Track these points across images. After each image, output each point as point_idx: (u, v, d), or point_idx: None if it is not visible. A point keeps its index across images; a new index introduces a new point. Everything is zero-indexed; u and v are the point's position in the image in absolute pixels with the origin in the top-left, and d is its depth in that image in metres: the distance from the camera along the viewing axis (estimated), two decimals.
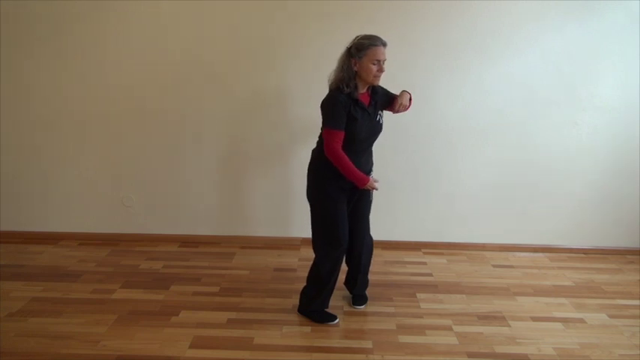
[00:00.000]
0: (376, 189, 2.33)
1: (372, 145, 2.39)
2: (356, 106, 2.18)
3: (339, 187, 2.29)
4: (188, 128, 3.21)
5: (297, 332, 2.33)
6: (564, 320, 2.49)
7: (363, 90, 2.24)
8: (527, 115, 3.14)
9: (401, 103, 2.31)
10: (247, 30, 3.03)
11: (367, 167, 2.36)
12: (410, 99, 2.37)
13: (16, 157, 3.29)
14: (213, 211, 3.38)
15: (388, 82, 3.09)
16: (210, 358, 2.12)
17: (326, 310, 2.48)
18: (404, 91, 2.37)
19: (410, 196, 3.29)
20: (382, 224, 3.30)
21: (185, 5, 2.99)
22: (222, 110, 3.17)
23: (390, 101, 2.37)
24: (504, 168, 3.24)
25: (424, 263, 3.17)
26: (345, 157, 2.19)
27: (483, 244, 3.40)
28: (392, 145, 3.12)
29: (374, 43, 2.14)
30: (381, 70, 2.17)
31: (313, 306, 2.45)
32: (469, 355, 2.18)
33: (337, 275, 2.42)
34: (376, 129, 2.30)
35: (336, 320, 2.43)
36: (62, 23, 3.03)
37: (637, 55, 3.01)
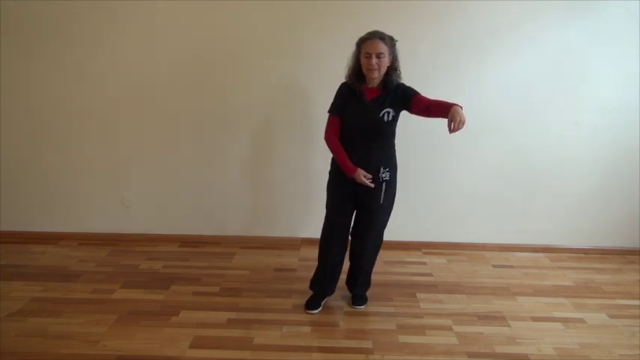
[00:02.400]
0: (367, 185, 2.26)
1: (375, 142, 2.30)
2: (354, 97, 2.27)
3: (343, 180, 2.34)
4: (187, 128, 3.21)
5: (297, 332, 2.33)
6: (564, 320, 2.49)
7: (372, 84, 2.26)
8: (528, 115, 3.14)
9: (460, 121, 1.98)
10: (248, 30, 3.02)
11: (369, 166, 2.28)
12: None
13: (16, 157, 3.29)
14: (213, 211, 3.38)
15: None
16: (210, 358, 2.12)
17: (321, 296, 2.57)
18: (455, 106, 2.05)
19: (410, 196, 3.29)
20: None
21: (184, 5, 2.99)
22: (221, 110, 3.17)
23: (407, 102, 2.23)
24: (504, 168, 3.24)
25: (424, 263, 3.17)
26: (336, 142, 2.32)
27: (483, 244, 3.40)
28: None
29: (366, 37, 2.20)
30: (370, 63, 2.16)
31: (311, 282, 2.62)
32: (469, 355, 2.18)
33: (330, 262, 2.51)
34: (373, 124, 2.24)
35: (313, 311, 2.51)
36: (62, 23, 3.03)
37: (637, 55, 3.01)
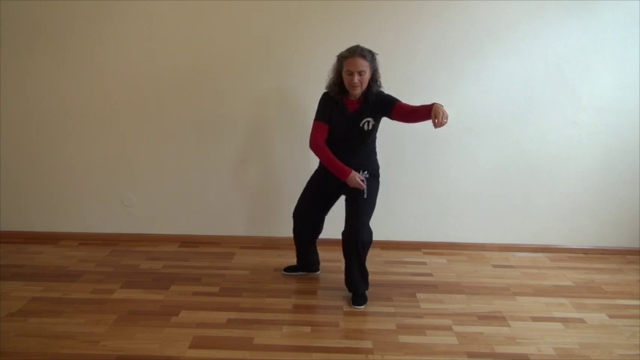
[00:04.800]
0: (360, 186, 2.38)
1: (357, 148, 2.46)
2: (335, 107, 2.41)
3: (323, 176, 2.54)
4: (188, 128, 3.21)
5: (297, 332, 2.33)
6: (564, 320, 2.49)
7: (353, 97, 2.39)
8: (527, 115, 3.14)
9: (443, 115, 2.11)
10: (247, 30, 3.03)
11: (352, 168, 2.41)
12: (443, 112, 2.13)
13: (16, 157, 3.29)
14: (213, 211, 3.38)
15: (385, 81, 3.09)
16: (210, 358, 2.12)
17: (297, 268, 2.93)
18: (436, 104, 2.18)
19: (409, 196, 3.29)
20: (382, 224, 3.29)
21: (185, 5, 2.99)
22: (221, 110, 3.17)
23: (388, 110, 2.37)
24: (504, 168, 3.24)
25: (424, 263, 3.17)
26: (325, 148, 2.43)
27: (483, 244, 3.40)
28: (391, 145, 3.12)
29: (348, 54, 2.30)
30: (352, 81, 2.27)
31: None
32: (469, 355, 2.18)
33: (298, 239, 2.79)
34: (354, 133, 2.40)
35: (283, 271, 2.93)
36: (62, 23, 3.03)
37: (637, 55, 3.01)
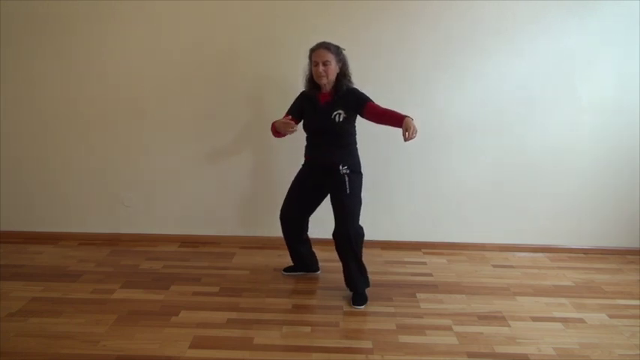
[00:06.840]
0: (290, 127, 2.40)
1: (331, 141, 2.50)
2: (309, 102, 2.55)
3: (307, 171, 2.65)
4: (188, 129, 3.22)
5: (297, 332, 2.33)
6: (564, 320, 2.49)
7: (324, 90, 2.51)
8: (527, 115, 3.14)
9: (413, 130, 2.20)
10: (246, 30, 3.03)
11: (330, 162, 2.49)
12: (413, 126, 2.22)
13: (17, 156, 3.29)
14: (213, 211, 3.38)
15: (388, 81, 3.10)
16: (210, 358, 2.12)
17: (294, 268, 2.94)
18: (407, 117, 2.26)
19: (409, 196, 3.29)
20: (382, 224, 3.30)
21: (185, 6, 2.99)
22: (222, 110, 3.18)
23: (360, 107, 2.44)
24: (504, 168, 3.24)
25: (424, 263, 3.17)
26: (273, 125, 2.54)
27: (483, 244, 3.40)
28: (391, 145, 3.12)
29: (314, 48, 2.47)
30: (318, 71, 2.42)
31: None
32: (469, 355, 2.18)
33: (287, 240, 2.80)
34: (326, 125, 2.47)
35: (283, 272, 2.94)
36: (63, 24, 3.03)
37: (637, 56, 3.01)
